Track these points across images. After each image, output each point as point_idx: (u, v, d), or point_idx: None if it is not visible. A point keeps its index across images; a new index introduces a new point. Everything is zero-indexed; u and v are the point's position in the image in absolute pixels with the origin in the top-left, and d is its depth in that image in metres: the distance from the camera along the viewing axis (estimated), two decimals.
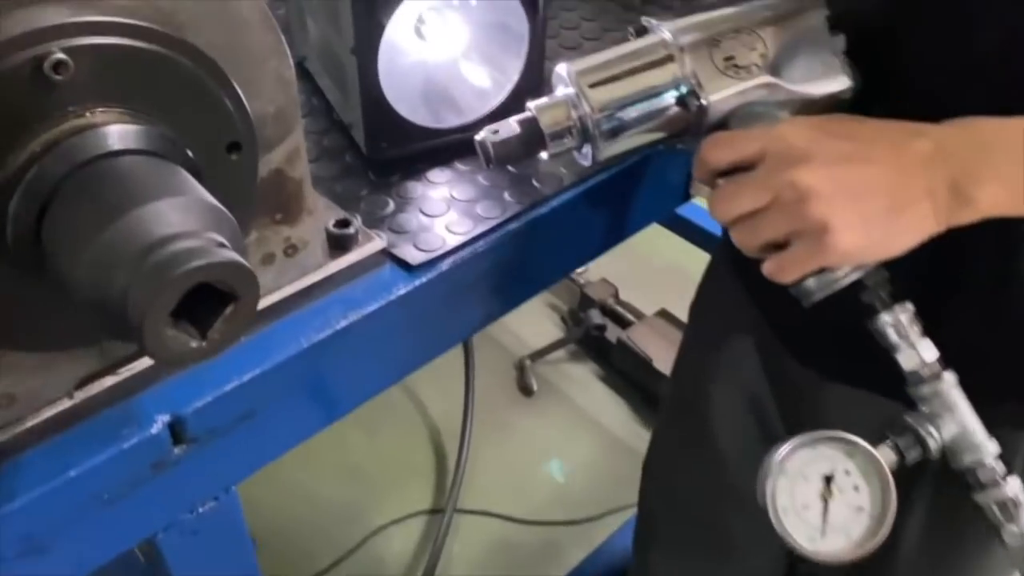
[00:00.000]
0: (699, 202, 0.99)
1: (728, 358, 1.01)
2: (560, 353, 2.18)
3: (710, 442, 1.06)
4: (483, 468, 1.89)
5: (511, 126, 0.65)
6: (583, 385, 2.13)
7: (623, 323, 2.11)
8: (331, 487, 1.87)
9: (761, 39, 0.67)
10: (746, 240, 0.64)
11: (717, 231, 0.95)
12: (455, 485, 1.80)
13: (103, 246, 0.43)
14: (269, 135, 0.59)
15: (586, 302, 2.14)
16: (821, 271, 0.63)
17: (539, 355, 2.14)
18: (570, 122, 0.65)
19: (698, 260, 2.05)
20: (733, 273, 0.96)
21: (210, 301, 0.44)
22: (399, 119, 0.80)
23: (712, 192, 0.65)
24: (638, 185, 0.88)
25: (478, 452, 1.87)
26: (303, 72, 0.96)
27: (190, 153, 0.50)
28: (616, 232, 0.89)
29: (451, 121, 0.84)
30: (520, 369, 2.12)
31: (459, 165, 0.84)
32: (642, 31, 0.69)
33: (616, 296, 2.16)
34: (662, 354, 1.99)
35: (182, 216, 0.44)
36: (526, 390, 2.10)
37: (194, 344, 0.44)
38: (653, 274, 2.28)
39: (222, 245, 0.44)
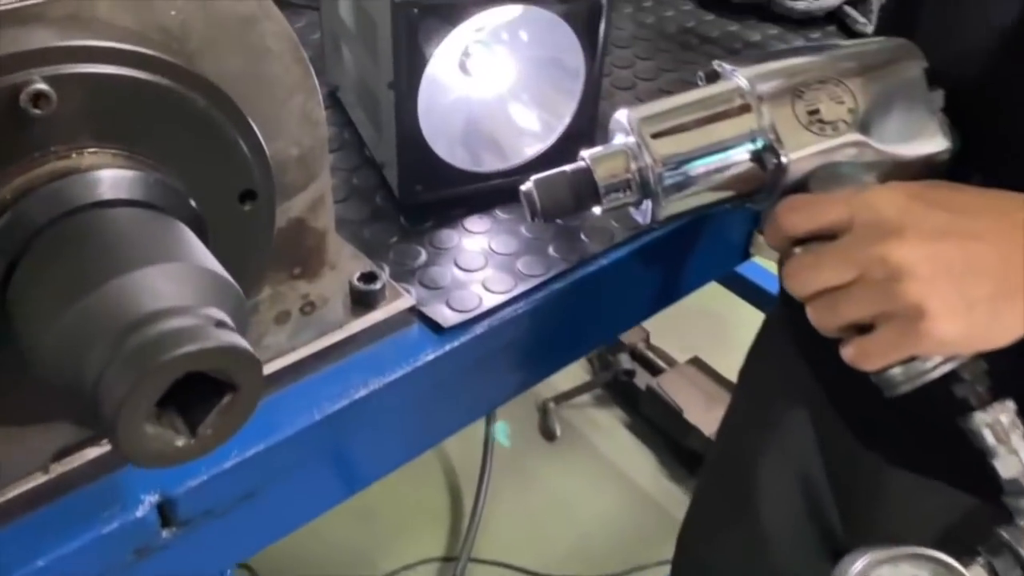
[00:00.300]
0: (760, 261, 0.91)
1: (780, 430, 0.92)
2: (586, 397, 2.09)
3: (753, 519, 0.96)
4: (500, 515, 1.80)
5: (561, 176, 0.57)
6: (608, 432, 2.04)
7: (653, 369, 2.02)
8: (340, 528, 1.78)
9: (850, 91, 0.59)
10: (825, 319, 0.56)
11: (772, 288, 0.87)
12: (470, 532, 1.72)
13: (76, 318, 0.35)
14: (290, 181, 0.51)
15: (615, 345, 2.05)
16: (910, 359, 0.55)
17: (564, 398, 2.05)
18: (628, 175, 0.57)
19: (735, 306, 1.99)
20: (790, 340, 0.87)
21: (203, 388, 0.36)
22: (436, 161, 0.72)
23: (787, 261, 0.57)
24: (695, 242, 0.79)
25: (496, 498, 1.78)
26: (335, 102, 0.89)
27: (194, 203, 0.43)
28: (668, 293, 0.81)
29: (493, 164, 0.76)
30: (543, 412, 2.03)
31: (500, 213, 0.76)
32: (713, 76, 0.61)
33: (647, 340, 2.07)
34: (693, 405, 1.90)
35: (175, 287, 0.36)
36: (548, 434, 2.01)
37: (180, 442, 0.36)
38: (687, 319, 2.17)
39: (221, 324, 0.36)
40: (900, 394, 0.56)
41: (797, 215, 0.57)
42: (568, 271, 0.71)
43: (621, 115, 0.58)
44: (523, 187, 0.57)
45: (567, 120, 0.75)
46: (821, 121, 0.58)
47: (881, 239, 0.53)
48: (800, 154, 0.57)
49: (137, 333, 0.34)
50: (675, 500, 1.89)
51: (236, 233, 0.46)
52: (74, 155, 0.39)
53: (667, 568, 1.12)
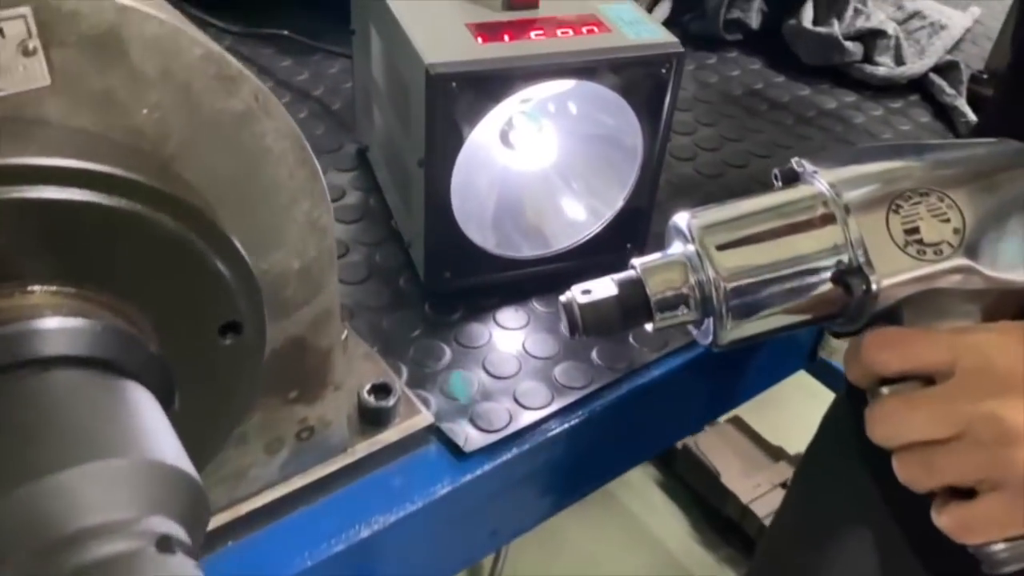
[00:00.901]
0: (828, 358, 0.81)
1: (837, 549, 0.82)
2: None
3: None
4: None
5: (608, 286, 0.48)
6: (640, 492, 1.93)
7: None
8: None
9: (956, 207, 0.49)
10: (916, 477, 0.47)
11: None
12: None
13: None
14: (290, 296, 0.43)
15: None
16: (1019, 536, 0.45)
17: None
18: (687, 290, 0.48)
19: None
20: (855, 446, 0.77)
21: None
22: (468, 245, 0.64)
23: (872, 403, 0.48)
24: (758, 348, 0.70)
25: (517, 559, 1.69)
26: (362, 161, 0.81)
27: (160, 347, 0.34)
28: (724, 402, 0.72)
29: (532, 250, 0.67)
30: None
31: (537, 305, 0.67)
32: (791, 176, 0.51)
33: None
34: (731, 468, 1.80)
35: (111, 492, 0.28)
36: None
37: None
38: None
39: (165, 542, 0.27)
40: (1003, 573, 0.47)
41: (888, 353, 0.47)
42: (614, 383, 0.62)
43: (680, 219, 0.49)
44: (562, 298, 0.48)
45: (619, 205, 0.66)
46: (921, 242, 0.48)
47: (991, 394, 0.44)
48: (894, 280, 0.47)
49: (56, 558, 0.26)
50: (706, 567, 1.78)
51: (215, 371, 0.38)
52: (16, 294, 0.31)
53: None
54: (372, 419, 0.54)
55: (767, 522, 1.74)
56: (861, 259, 0.47)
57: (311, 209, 0.41)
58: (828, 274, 0.48)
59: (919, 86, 1.00)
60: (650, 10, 1.06)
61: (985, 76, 0.98)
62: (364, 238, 0.72)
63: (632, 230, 0.68)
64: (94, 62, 0.32)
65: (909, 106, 0.98)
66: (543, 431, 0.58)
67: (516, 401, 0.59)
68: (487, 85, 0.57)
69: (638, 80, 0.60)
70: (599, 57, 0.58)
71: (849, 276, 0.47)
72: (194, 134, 0.35)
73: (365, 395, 0.54)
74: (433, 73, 0.55)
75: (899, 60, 0.99)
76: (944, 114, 0.96)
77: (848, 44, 0.98)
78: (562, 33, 0.60)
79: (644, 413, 0.64)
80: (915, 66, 0.98)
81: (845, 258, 0.47)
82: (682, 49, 0.60)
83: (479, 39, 0.58)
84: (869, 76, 0.98)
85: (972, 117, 0.93)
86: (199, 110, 0.35)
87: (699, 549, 1.82)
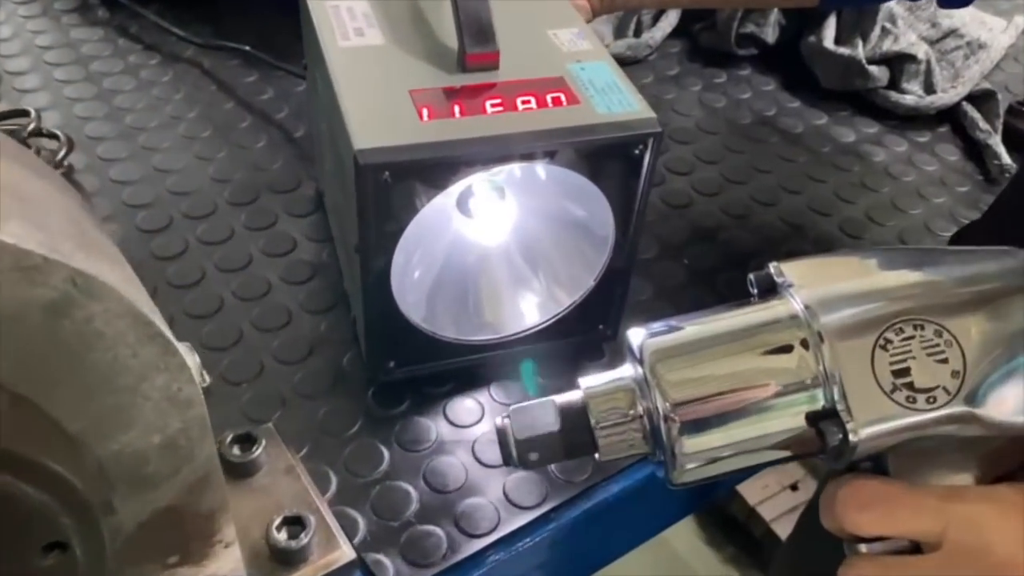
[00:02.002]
0: None
1: None
2: None
3: None
4: None
5: (548, 412, 0.41)
6: None
7: None
8: None
9: (956, 344, 0.40)
10: None
11: None
12: None
13: None
14: (151, 472, 0.36)
15: None
16: None
17: None
18: (635, 419, 0.41)
19: None
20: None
21: None
22: (414, 332, 0.56)
23: (847, 562, 0.42)
24: None
25: None
26: (321, 205, 0.73)
27: None
28: (695, 502, 0.64)
29: (490, 333, 0.60)
30: None
31: (494, 393, 0.60)
32: (767, 284, 0.43)
33: None
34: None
35: None
36: None
37: None
38: None
39: None
40: None
41: (867, 516, 0.40)
42: (572, 500, 0.55)
43: (634, 337, 0.42)
44: (497, 422, 0.42)
45: (589, 286, 0.59)
46: (911, 387, 0.40)
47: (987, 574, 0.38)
48: (876, 430, 0.39)
49: None
50: (711, 567, 1.73)
51: None
52: None
53: None
54: (282, 559, 0.47)
55: (773, 524, 1.69)
56: (838, 402, 0.39)
57: (168, 383, 0.34)
58: (799, 417, 0.40)
59: (950, 115, 0.90)
60: (656, 19, 0.96)
61: None
62: (311, 303, 0.65)
63: (604, 311, 0.61)
64: None
65: (937, 140, 0.88)
66: (487, 561, 0.52)
67: (456, 526, 0.52)
68: (428, 174, 0.49)
69: (607, 163, 0.52)
70: (562, 140, 0.50)
71: (823, 421, 0.40)
72: None
73: (275, 532, 0.47)
74: (362, 163, 0.47)
75: (929, 87, 0.89)
76: (976, 151, 0.86)
77: (872, 69, 0.88)
78: (523, 103, 0.52)
79: (606, 526, 0.57)
80: (946, 96, 0.88)
81: (820, 396, 0.40)
82: (659, 128, 0.51)
83: (424, 112, 0.50)
84: (894, 105, 0.88)
85: (1007, 160, 0.83)
86: None
87: (704, 548, 1.78)
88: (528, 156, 0.50)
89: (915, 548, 0.40)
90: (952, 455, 0.41)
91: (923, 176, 0.83)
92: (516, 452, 0.41)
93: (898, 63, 0.89)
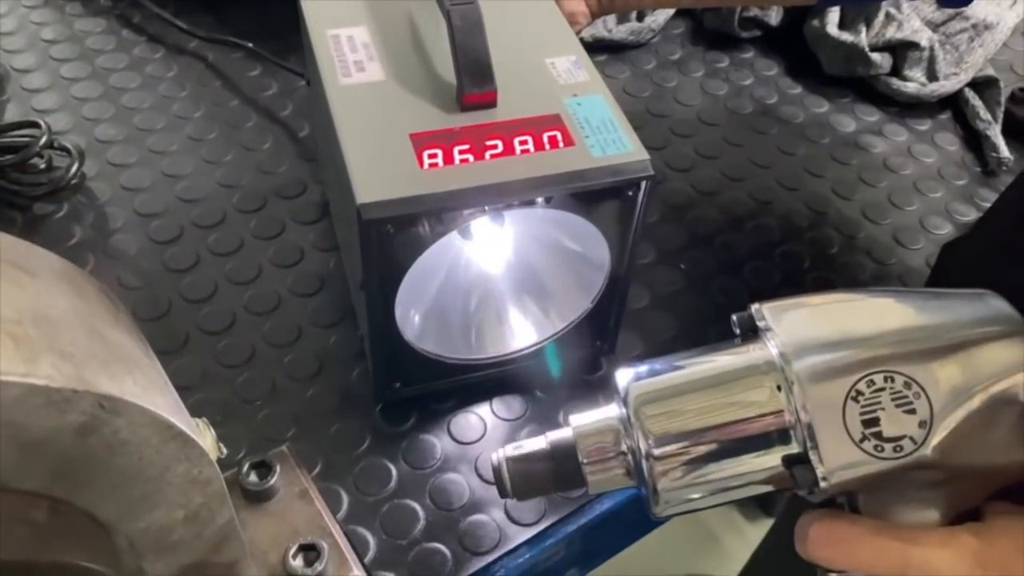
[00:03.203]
0: None
1: None
2: None
3: None
4: None
5: (540, 449, 0.44)
6: None
7: None
8: None
9: (924, 396, 0.42)
10: None
11: None
12: None
13: None
14: (177, 539, 0.39)
15: None
16: None
17: None
18: (620, 457, 0.44)
19: None
20: None
21: None
22: (419, 356, 0.59)
23: None
24: None
25: None
26: (325, 211, 0.75)
27: None
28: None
29: (491, 351, 0.62)
30: None
31: (495, 410, 0.63)
32: (748, 326, 0.46)
33: None
34: None
35: None
36: None
37: None
38: None
39: None
40: None
41: (833, 552, 0.43)
42: (569, 516, 0.58)
43: (620, 378, 0.44)
44: (492, 458, 0.44)
45: (586, 308, 0.61)
46: (880, 436, 0.42)
47: None
48: (844, 476, 0.42)
49: None
50: (724, 523, 1.79)
51: None
52: None
53: None
54: None
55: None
56: (810, 449, 0.42)
57: (188, 469, 0.37)
58: (774, 456, 0.43)
59: (953, 101, 0.90)
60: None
61: None
62: (320, 317, 0.68)
63: (601, 329, 0.63)
64: None
65: (938, 128, 0.89)
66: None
67: (461, 544, 0.56)
68: (429, 222, 0.51)
69: (602, 203, 0.54)
70: (558, 186, 0.51)
71: (795, 466, 0.42)
72: (25, 459, 0.31)
73: (291, 560, 0.51)
74: (365, 217, 0.49)
75: (932, 75, 0.89)
76: (976, 140, 0.87)
77: (875, 56, 0.88)
78: (520, 144, 0.53)
79: (603, 537, 0.61)
80: (948, 83, 0.88)
81: (793, 439, 0.42)
82: (651, 172, 0.53)
83: (424, 158, 0.52)
84: (896, 93, 0.89)
85: (1005, 152, 0.83)
86: (26, 431, 0.31)
87: (743, 522, 1.82)
88: (526, 202, 0.52)
89: None
90: (919, 493, 0.44)
91: (921, 169, 0.84)
92: (511, 485, 0.44)
93: (901, 50, 0.88)
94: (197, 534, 0.40)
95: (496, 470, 0.44)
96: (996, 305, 0.44)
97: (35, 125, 0.73)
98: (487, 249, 0.61)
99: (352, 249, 0.57)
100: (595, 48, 0.92)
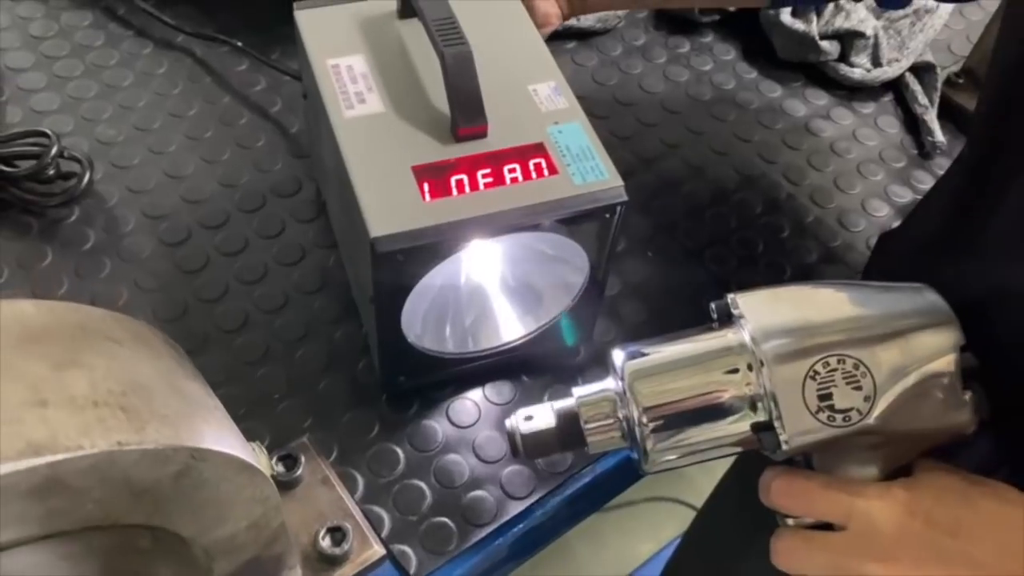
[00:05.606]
0: None
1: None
2: None
3: None
4: None
5: (547, 415, 0.54)
6: None
7: None
8: None
9: (870, 375, 0.52)
10: None
11: None
12: None
13: None
14: (241, 543, 0.47)
15: None
16: None
17: None
18: (616, 423, 0.54)
19: None
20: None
21: None
22: (421, 354, 0.67)
23: (777, 533, 0.55)
24: None
25: None
26: (322, 209, 0.81)
27: None
28: None
29: (483, 344, 0.70)
30: None
31: (488, 395, 0.71)
32: (725, 313, 0.55)
33: None
34: None
35: None
36: None
37: None
38: None
39: None
40: None
41: (791, 501, 0.54)
42: (557, 488, 0.67)
43: (617, 357, 0.54)
44: (507, 423, 0.54)
45: (563, 308, 0.69)
46: (832, 408, 0.52)
47: (872, 556, 0.50)
48: (802, 441, 0.52)
49: None
50: None
51: None
52: None
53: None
54: (328, 561, 0.59)
55: None
56: (774, 418, 0.51)
57: (252, 491, 0.44)
58: (745, 425, 0.52)
59: (895, 85, 0.98)
60: None
61: (961, 80, 0.96)
62: (324, 315, 0.75)
63: (581, 321, 0.71)
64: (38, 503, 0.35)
65: (881, 111, 0.96)
66: (492, 547, 0.64)
67: (464, 518, 0.65)
68: (434, 248, 0.58)
69: (582, 224, 0.61)
70: (545, 214, 0.59)
71: (762, 432, 0.52)
72: (134, 502, 0.39)
73: (320, 541, 0.59)
74: (379, 251, 0.56)
75: (876, 61, 0.96)
76: (915, 124, 0.95)
77: (824, 44, 0.95)
78: (510, 173, 0.60)
79: (584, 505, 0.70)
80: (891, 69, 0.96)
81: (760, 408, 0.51)
82: (625, 197, 0.60)
83: (426, 190, 0.58)
84: (843, 78, 0.96)
85: (939, 137, 0.92)
86: (137, 482, 0.38)
87: None
88: (517, 228, 0.59)
89: (828, 525, 0.53)
90: (863, 454, 0.54)
91: (864, 152, 0.92)
92: (522, 446, 0.53)
93: (848, 38, 0.95)
94: (256, 537, 0.48)
95: (510, 434, 0.54)
96: (931, 299, 0.54)
97: (43, 134, 0.78)
98: (480, 260, 0.68)
99: (359, 264, 0.63)
100: (565, 35, 0.98)
